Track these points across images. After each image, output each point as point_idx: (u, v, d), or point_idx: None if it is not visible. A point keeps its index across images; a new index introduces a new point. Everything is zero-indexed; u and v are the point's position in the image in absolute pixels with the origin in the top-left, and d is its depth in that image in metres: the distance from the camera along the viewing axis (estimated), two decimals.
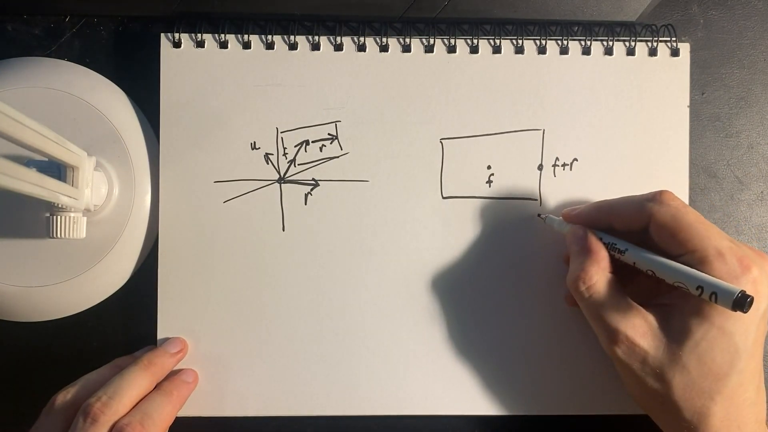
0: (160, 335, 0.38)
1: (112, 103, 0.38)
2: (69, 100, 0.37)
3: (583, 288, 0.32)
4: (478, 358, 0.38)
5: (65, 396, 0.33)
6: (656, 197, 0.32)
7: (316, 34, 0.38)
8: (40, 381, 0.38)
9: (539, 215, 0.38)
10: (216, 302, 0.38)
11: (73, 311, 0.38)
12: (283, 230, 0.38)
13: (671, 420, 0.32)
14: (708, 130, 0.40)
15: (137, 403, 0.33)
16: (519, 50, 0.39)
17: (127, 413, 0.32)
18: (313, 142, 0.39)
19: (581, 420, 0.39)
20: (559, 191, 0.39)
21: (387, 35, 0.39)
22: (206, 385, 0.38)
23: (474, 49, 0.39)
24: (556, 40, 0.39)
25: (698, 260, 0.30)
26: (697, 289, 0.29)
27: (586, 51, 0.39)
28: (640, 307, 0.32)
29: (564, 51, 0.39)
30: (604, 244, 0.33)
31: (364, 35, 0.39)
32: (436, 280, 0.38)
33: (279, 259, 0.38)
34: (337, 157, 0.39)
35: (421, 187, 0.39)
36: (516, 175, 0.39)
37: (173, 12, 0.38)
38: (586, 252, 0.33)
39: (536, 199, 0.39)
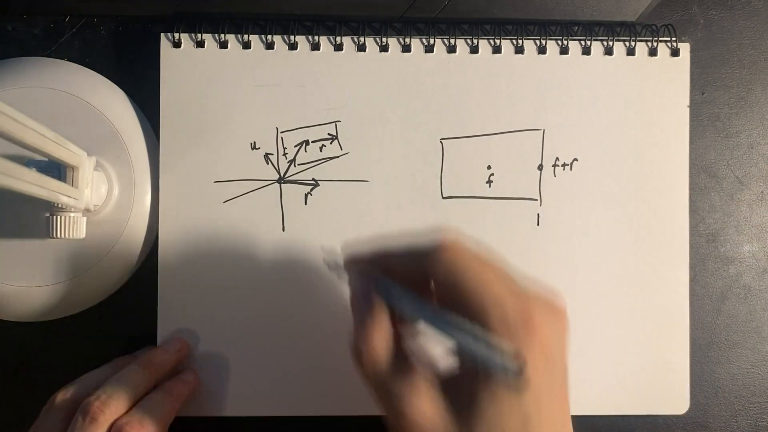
0: (160, 335, 0.38)
1: (112, 103, 0.38)
2: (69, 100, 0.37)
3: (368, 362, 0.28)
4: None
5: (65, 395, 0.33)
6: (432, 252, 0.28)
7: (316, 34, 0.39)
8: (40, 381, 0.38)
9: (324, 260, 0.34)
10: (216, 302, 0.38)
11: (73, 311, 0.38)
12: (283, 230, 0.38)
13: None
14: (708, 130, 0.40)
15: (137, 403, 0.33)
16: (519, 50, 0.39)
17: (127, 412, 0.32)
18: (313, 142, 0.39)
19: (579, 420, 0.39)
20: (559, 191, 0.39)
21: (387, 35, 0.39)
22: (206, 385, 0.38)
23: (474, 49, 0.39)
24: (556, 40, 0.39)
25: (477, 317, 0.27)
26: (471, 359, 0.26)
27: (586, 51, 0.39)
28: (427, 383, 0.28)
29: (564, 51, 0.39)
30: (386, 303, 0.29)
31: (364, 35, 0.39)
32: None
33: (279, 259, 0.38)
34: (337, 157, 0.39)
35: (421, 187, 0.39)
36: (516, 175, 0.39)
37: (173, 12, 0.39)
38: (368, 316, 0.29)
39: (536, 199, 0.39)
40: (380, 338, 0.28)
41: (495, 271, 0.28)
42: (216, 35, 0.38)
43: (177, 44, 0.38)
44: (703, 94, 0.40)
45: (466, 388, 0.28)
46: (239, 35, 0.38)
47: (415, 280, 0.29)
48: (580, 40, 0.39)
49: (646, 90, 0.39)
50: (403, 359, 0.29)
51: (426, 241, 0.29)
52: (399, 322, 0.30)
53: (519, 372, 0.25)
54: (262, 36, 0.38)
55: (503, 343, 0.26)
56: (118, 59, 0.39)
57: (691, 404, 0.39)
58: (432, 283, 0.29)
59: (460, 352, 0.28)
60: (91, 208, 0.35)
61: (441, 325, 0.27)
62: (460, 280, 0.28)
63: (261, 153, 0.38)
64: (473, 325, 0.27)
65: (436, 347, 0.29)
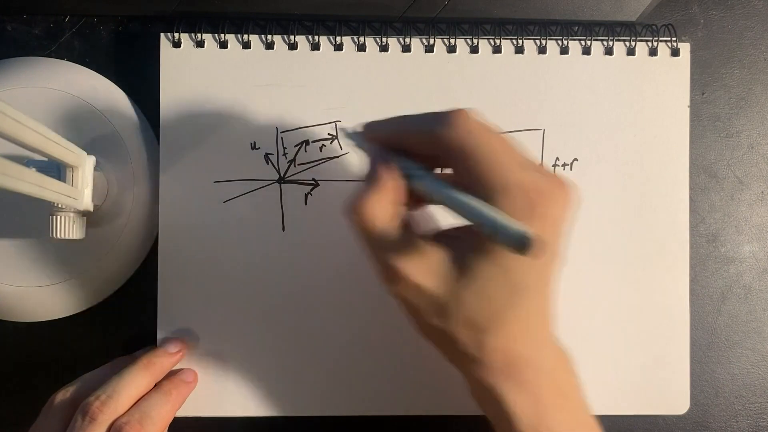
0: (160, 335, 0.38)
1: (112, 103, 0.38)
2: (69, 100, 0.37)
3: (356, 217, 0.28)
4: None
5: (64, 395, 0.33)
6: (446, 119, 0.28)
7: (316, 34, 0.39)
8: (40, 381, 0.38)
9: (346, 132, 0.33)
10: (216, 302, 0.38)
11: (73, 311, 0.38)
12: (283, 230, 0.38)
13: (452, 353, 0.31)
14: (708, 130, 0.40)
15: (136, 403, 0.33)
16: (519, 50, 0.39)
17: (126, 412, 0.32)
18: (313, 142, 0.39)
19: None
20: None
21: (387, 35, 0.39)
22: (206, 385, 0.38)
23: (474, 49, 0.39)
24: (556, 40, 0.39)
25: (484, 194, 0.27)
26: (480, 226, 0.26)
27: (586, 51, 0.39)
28: (426, 244, 0.29)
29: (564, 51, 0.39)
30: (397, 170, 0.29)
31: (364, 35, 0.39)
32: None
33: (279, 259, 0.38)
34: (337, 157, 0.39)
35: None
36: None
37: (173, 12, 0.39)
38: (374, 179, 0.29)
39: None
40: (378, 199, 0.28)
41: (504, 140, 0.28)
42: (216, 35, 0.38)
43: (177, 44, 0.38)
44: (703, 94, 0.40)
45: (462, 254, 0.28)
46: (239, 35, 0.38)
47: (427, 153, 0.29)
48: (580, 40, 0.39)
49: (646, 90, 0.39)
50: (399, 225, 0.29)
51: (440, 112, 0.29)
52: (410, 194, 0.30)
53: (522, 242, 0.24)
54: (262, 36, 0.38)
55: (510, 213, 0.26)
56: (118, 59, 0.39)
57: (691, 404, 0.39)
58: (441, 155, 0.29)
59: (466, 218, 0.27)
60: (91, 208, 0.35)
61: (450, 194, 0.27)
62: (468, 149, 0.27)
63: (261, 153, 0.38)
64: (482, 199, 0.27)
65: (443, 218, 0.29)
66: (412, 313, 0.30)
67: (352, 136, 0.32)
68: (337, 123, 0.39)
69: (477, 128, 0.28)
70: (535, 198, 0.27)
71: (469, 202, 0.27)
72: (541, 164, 0.29)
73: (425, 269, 0.28)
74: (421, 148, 0.29)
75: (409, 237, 0.29)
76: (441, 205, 0.28)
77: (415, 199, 0.30)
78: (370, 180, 0.29)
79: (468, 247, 0.28)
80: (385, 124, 0.31)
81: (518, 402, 0.29)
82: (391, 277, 0.29)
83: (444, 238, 0.30)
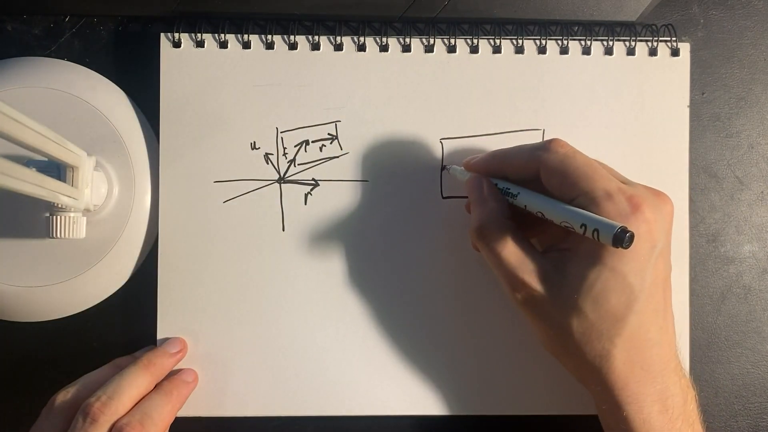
0: (160, 335, 0.38)
1: (112, 103, 0.38)
2: (69, 100, 0.37)
3: (481, 236, 0.32)
4: (478, 358, 0.38)
5: (65, 396, 0.33)
6: (545, 145, 0.32)
7: (316, 34, 0.38)
8: (40, 381, 0.38)
9: (444, 167, 0.38)
10: (216, 302, 0.38)
11: (73, 311, 0.38)
12: (283, 230, 0.38)
13: (576, 363, 0.32)
14: (708, 130, 0.40)
15: (137, 403, 0.33)
16: (519, 50, 0.39)
17: (127, 413, 0.32)
18: (313, 142, 0.39)
19: (580, 420, 0.39)
20: None
21: (387, 35, 0.39)
22: (206, 385, 0.38)
23: (474, 49, 0.39)
24: (556, 40, 0.39)
25: (588, 202, 0.30)
26: (581, 227, 0.28)
27: (586, 51, 0.39)
28: (539, 253, 0.32)
29: (564, 51, 0.39)
30: (499, 190, 0.34)
31: (364, 35, 0.39)
32: (436, 280, 0.38)
33: (279, 259, 0.38)
34: (337, 157, 0.39)
35: (421, 187, 0.39)
36: None
37: (173, 12, 0.38)
38: (483, 201, 0.33)
39: None
40: (494, 215, 0.32)
41: (601, 165, 0.32)
42: (216, 35, 0.38)
43: (177, 44, 0.38)
44: (703, 94, 0.40)
45: (575, 263, 0.30)
46: (239, 35, 0.38)
47: (526, 177, 0.33)
48: (580, 40, 0.39)
49: (646, 90, 0.39)
50: (515, 237, 0.32)
51: (536, 143, 0.33)
52: (516, 211, 0.33)
53: (623, 234, 0.27)
54: (262, 36, 0.38)
55: (614, 216, 0.29)
56: (118, 59, 0.39)
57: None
58: (542, 177, 0.32)
59: (569, 226, 0.29)
60: (91, 208, 0.35)
61: (543, 203, 0.31)
62: (569, 169, 0.31)
63: (261, 153, 0.38)
64: (585, 207, 0.30)
65: (553, 228, 0.32)
66: (536, 324, 0.32)
67: (455, 171, 0.37)
68: (337, 123, 0.39)
69: (573, 151, 0.32)
70: (637, 202, 0.29)
71: (569, 208, 0.30)
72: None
73: (541, 276, 0.31)
74: (520, 173, 0.33)
75: (524, 248, 0.32)
76: (540, 215, 0.31)
77: (521, 215, 0.33)
78: (483, 203, 0.33)
79: (580, 254, 0.30)
80: (485, 158, 0.35)
81: (645, 416, 0.30)
82: (513, 284, 0.31)
83: (556, 251, 0.32)
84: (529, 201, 0.32)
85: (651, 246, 0.30)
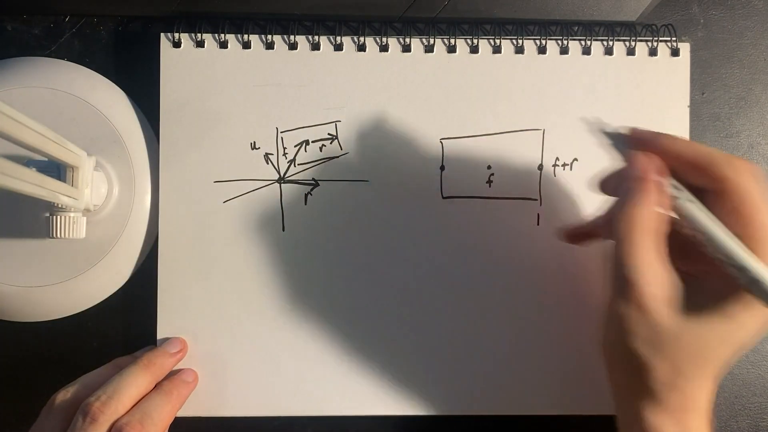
0: (160, 335, 0.38)
1: (112, 103, 0.38)
2: (69, 100, 0.37)
3: (622, 227, 0.28)
4: (478, 358, 0.38)
5: (65, 395, 0.33)
6: (734, 164, 0.28)
7: (316, 34, 0.39)
8: (40, 381, 0.38)
9: (604, 130, 0.31)
10: (216, 302, 0.38)
11: (73, 311, 0.38)
12: (283, 230, 0.38)
13: (632, 380, 0.30)
14: (708, 130, 0.40)
15: (137, 403, 0.33)
16: (519, 50, 0.39)
17: (127, 413, 0.32)
18: (313, 142, 0.39)
19: (580, 419, 0.39)
20: (559, 191, 0.39)
21: (387, 35, 0.39)
22: (206, 385, 0.38)
23: (474, 49, 0.39)
24: (556, 40, 0.39)
25: (754, 243, 0.27)
26: (738, 270, 0.26)
27: (586, 51, 0.39)
28: (672, 269, 0.29)
29: (564, 51, 0.39)
30: (667, 186, 0.29)
31: (364, 35, 0.39)
32: (436, 280, 0.38)
33: (279, 259, 0.38)
34: (337, 157, 0.39)
35: (421, 187, 0.39)
36: (516, 175, 0.39)
37: (173, 12, 0.39)
38: (645, 189, 0.28)
39: (536, 199, 0.39)
40: (650, 208, 0.28)
41: None
42: (216, 35, 0.38)
43: (177, 44, 0.38)
44: (703, 94, 0.40)
45: (704, 295, 0.28)
46: (239, 35, 0.38)
47: (693, 183, 0.29)
48: (580, 40, 0.39)
49: (646, 90, 0.39)
50: (657, 239, 0.28)
51: (727, 155, 0.28)
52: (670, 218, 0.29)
53: None
54: (262, 36, 0.38)
55: None
56: (118, 59, 0.39)
57: None
58: (713, 192, 0.28)
59: (719, 259, 0.27)
60: (91, 208, 0.35)
61: (717, 231, 0.27)
62: (748, 198, 0.27)
63: (261, 153, 0.38)
64: (745, 246, 0.27)
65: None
66: (620, 331, 0.29)
67: (614, 136, 0.31)
68: (337, 123, 0.39)
69: (760, 184, 0.28)
70: None
71: (734, 245, 0.26)
72: None
73: (662, 296, 0.28)
74: (690, 176, 0.29)
75: (659, 256, 0.28)
76: (695, 236, 0.28)
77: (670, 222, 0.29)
78: (643, 191, 0.28)
79: (710, 289, 0.28)
80: (658, 137, 0.30)
81: None
82: (626, 293, 0.28)
83: (687, 267, 0.29)
84: (691, 214, 0.28)
85: None
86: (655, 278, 0.28)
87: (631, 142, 0.30)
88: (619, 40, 0.39)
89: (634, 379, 0.30)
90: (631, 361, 0.29)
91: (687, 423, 0.29)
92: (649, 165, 0.29)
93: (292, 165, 0.39)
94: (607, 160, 0.39)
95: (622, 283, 0.28)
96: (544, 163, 0.39)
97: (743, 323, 0.28)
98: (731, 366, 0.40)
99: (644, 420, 0.30)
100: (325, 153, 0.39)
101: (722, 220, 0.28)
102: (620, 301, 0.28)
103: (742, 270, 0.26)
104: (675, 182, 0.29)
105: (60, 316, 0.38)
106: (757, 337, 0.29)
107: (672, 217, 0.29)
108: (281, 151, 0.39)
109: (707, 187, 0.29)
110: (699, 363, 0.28)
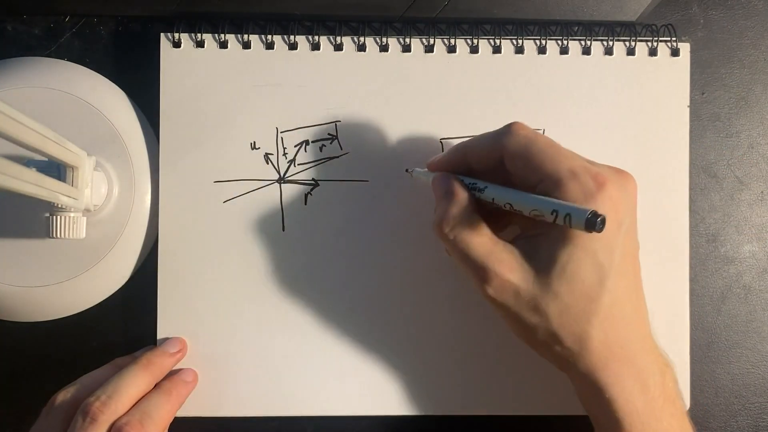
0: (159, 335, 0.38)
1: (112, 103, 0.38)
2: (69, 100, 0.37)
3: (447, 230, 0.31)
4: (478, 358, 0.38)
5: (65, 395, 0.33)
6: (507, 130, 0.31)
7: (316, 34, 0.39)
8: (40, 381, 0.38)
9: (407, 170, 0.38)
10: (216, 302, 0.38)
11: (73, 311, 0.38)
12: (283, 230, 0.38)
13: (553, 350, 0.31)
14: (708, 130, 0.40)
15: (136, 403, 0.33)
16: (519, 50, 0.39)
17: (126, 412, 0.32)
18: (313, 142, 0.39)
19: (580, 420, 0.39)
20: None
21: (387, 35, 0.39)
22: (206, 385, 0.38)
23: (474, 49, 0.39)
24: (556, 40, 0.39)
25: (553, 185, 0.29)
26: (551, 214, 0.28)
27: (586, 51, 0.39)
28: (507, 243, 0.31)
29: (564, 51, 0.39)
30: (466, 185, 0.33)
31: (364, 35, 0.39)
32: (436, 280, 0.38)
33: (279, 259, 0.38)
34: (337, 157, 0.39)
35: (421, 187, 0.39)
36: None
37: (173, 12, 0.39)
38: (448, 195, 0.32)
39: None
40: (458, 210, 0.31)
41: (562, 147, 0.31)
42: (216, 35, 0.38)
43: (177, 44, 0.38)
44: (703, 94, 0.40)
45: (545, 247, 0.30)
46: (239, 35, 0.38)
47: (490, 165, 0.32)
48: (580, 40, 0.39)
49: (646, 90, 0.39)
50: (481, 230, 0.31)
51: (497, 129, 0.32)
52: (482, 206, 0.32)
53: (594, 218, 0.26)
54: (262, 36, 0.38)
55: (580, 195, 0.29)
56: (118, 59, 0.39)
57: (691, 404, 0.39)
58: (506, 162, 0.31)
59: (540, 215, 0.29)
60: (91, 208, 0.35)
61: (510, 194, 0.30)
62: (533, 150, 0.30)
63: (261, 153, 0.38)
64: (551, 188, 0.29)
65: (522, 220, 0.32)
66: (509, 316, 0.31)
67: (419, 173, 0.36)
68: (337, 123, 0.39)
69: (535, 133, 0.31)
70: (602, 180, 0.29)
71: (539, 197, 0.29)
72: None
73: (512, 265, 0.30)
74: (484, 162, 0.32)
75: (491, 239, 0.31)
76: (509, 208, 0.30)
77: (486, 210, 0.32)
78: (448, 197, 0.32)
79: (550, 238, 0.30)
80: (447, 154, 0.34)
81: (627, 395, 0.30)
82: (482, 276, 0.30)
83: (524, 239, 0.31)
84: (497, 194, 0.31)
85: (617, 224, 0.29)
86: (500, 254, 0.30)
87: (433, 169, 0.35)
88: (619, 40, 0.39)
89: (554, 349, 0.31)
90: (540, 336, 0.31)
91: (625, 368, 0.30)
92: (447, 180, 0.33)
93: (292, 165, 0.39)
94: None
95: (478, 272, 0.30)
96: None
97: (587, 248, 0.29)
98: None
99: (587, 380, 0.31)
100: (325, 153, 0.39)
101: (524, 181, 0.31)
102: (487, 287, 0.30)
103: (554, 213, 0.28)
104: (471, 179, 0.33)
105: (60, 316, 0.38)
106: (608, 251, 0.30)
107: (485, 202, 0.32)
108: (281, 151, 0.39)
109: (502, 162, 0.32)
110: (583, 297, 0.29)
